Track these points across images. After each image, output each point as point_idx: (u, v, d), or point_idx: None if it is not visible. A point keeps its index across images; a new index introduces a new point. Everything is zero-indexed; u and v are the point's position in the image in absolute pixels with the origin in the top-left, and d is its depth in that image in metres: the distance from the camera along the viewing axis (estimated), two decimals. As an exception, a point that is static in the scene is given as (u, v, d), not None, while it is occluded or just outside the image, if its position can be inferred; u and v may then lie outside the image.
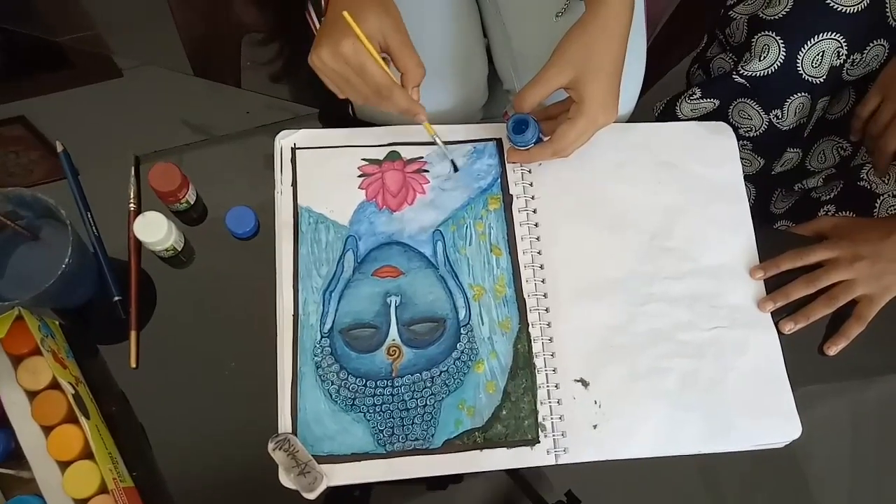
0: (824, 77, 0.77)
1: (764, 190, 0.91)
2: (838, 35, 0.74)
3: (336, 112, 0.76)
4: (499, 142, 0.72)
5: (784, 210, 0.89)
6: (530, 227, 0.69)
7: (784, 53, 0.76)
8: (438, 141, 0.68)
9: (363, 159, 0.70)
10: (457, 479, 0.63)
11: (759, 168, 0.88)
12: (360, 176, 0.70)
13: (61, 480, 0.56)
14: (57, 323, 0.64)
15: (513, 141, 0.68)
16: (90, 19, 1.26)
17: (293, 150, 0.70)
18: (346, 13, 0.58)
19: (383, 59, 0.61)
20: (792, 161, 0.88)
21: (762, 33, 0.77)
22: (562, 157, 0.67)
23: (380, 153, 0.71)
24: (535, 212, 0.69)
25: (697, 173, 0.73)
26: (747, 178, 0.79)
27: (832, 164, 0.85)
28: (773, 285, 0.69)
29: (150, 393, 0.63)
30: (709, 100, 0.83)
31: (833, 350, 0.69)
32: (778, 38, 0.76)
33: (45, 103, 0.74)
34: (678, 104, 0.86)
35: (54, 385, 0.58)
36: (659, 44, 0.95)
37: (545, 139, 0.67)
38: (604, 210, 0.70)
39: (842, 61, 0.76)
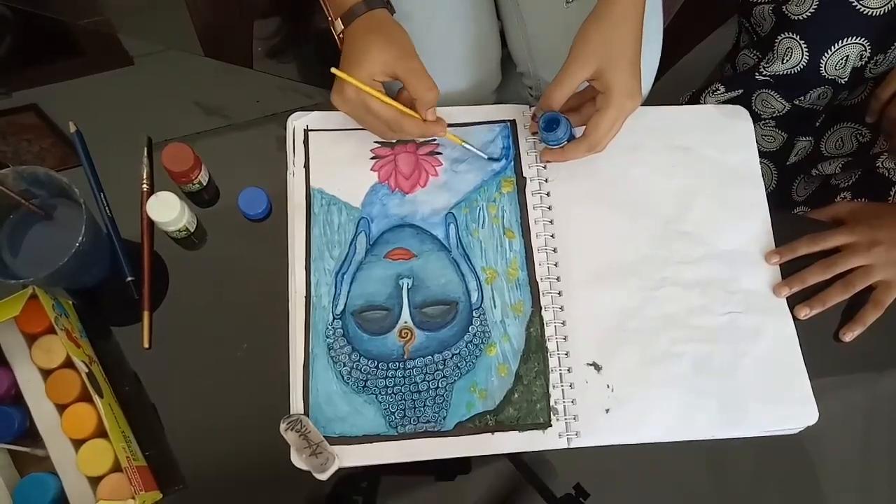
0: (847, 78, 0.77)
1: (786, 177, 0.90)
2: (862, 39, 0.73)
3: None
4: (512, 123, 0.72)
5: (805, 197, 0.88)
6: (544, 210, 0.68)
7: (807, 57, 0.75)
8: (468, 146, 0.68)
9: (376, 141, 0.70)
10: (465, 471, 0.63)
11: (782, 143, 0.87)
12: (372, 158, 0.69)
13: (75, 458, 0.57)
14: (70, 303, 0.64)
15: (545, 140, 0.66)
16: (101, 4, 1.26)
17: (306, 131, 0.70)
18: (334, 70, 0.61)
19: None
20: (805, 149, 0.87)
21: (785, 34, 0.76)
22: (597, 153, 0.65)
23: (392, 135, 0.70)
24: (548, 195, 0.69)
25: (712, 157, 0.72)
26: (770, 156, 0.77)
27: (850, 150, 0.84)
28: (789, 270, 0.68)
29: (163, 373, 0.63)
30: (732, 92, 0.82)
31: (849, 336, 0.68)
32: (801, 41, 0.75)
33: (57, 91, 0.74)
34: (702, 98, 0.85)
35: (68, 364, 0.59)
36: (677, 23, 0.94)
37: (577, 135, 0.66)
38: (618, 194, 0.70)
39: (864, 62, 0.75)
